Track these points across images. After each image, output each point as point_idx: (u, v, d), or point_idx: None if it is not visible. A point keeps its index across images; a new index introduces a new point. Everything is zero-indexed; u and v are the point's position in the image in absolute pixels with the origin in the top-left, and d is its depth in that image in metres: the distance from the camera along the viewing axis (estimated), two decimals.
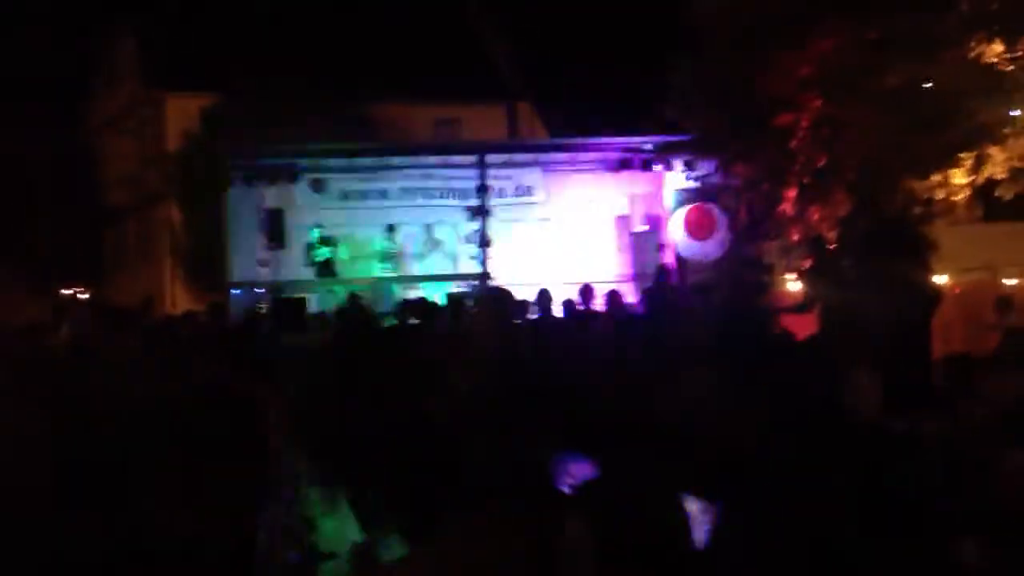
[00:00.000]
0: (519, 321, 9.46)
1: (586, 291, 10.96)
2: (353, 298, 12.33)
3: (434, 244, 15.54)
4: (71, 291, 32.47)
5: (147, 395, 4.98)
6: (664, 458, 4.17)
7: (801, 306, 9.65)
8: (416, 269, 15.52)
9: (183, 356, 6.91)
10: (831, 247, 10.75)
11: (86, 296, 31.62)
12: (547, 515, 3.09)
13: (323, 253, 14.80)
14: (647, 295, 11.41)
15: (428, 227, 15.52)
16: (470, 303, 11.18)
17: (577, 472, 4.19)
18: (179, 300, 23.48)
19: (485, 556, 2.94)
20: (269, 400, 5.77)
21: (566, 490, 3.82)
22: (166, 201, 25.12)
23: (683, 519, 3.83)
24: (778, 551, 3.82)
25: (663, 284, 12.18)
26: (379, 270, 15.21)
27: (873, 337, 7.59)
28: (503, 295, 8.11)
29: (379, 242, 15.26)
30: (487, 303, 9.30)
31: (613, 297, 10.88)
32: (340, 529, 4.23)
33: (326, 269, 14.87)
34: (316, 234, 14.85)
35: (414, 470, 3.84)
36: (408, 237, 15.47)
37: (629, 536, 3.38)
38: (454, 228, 15.52)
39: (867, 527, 3.87)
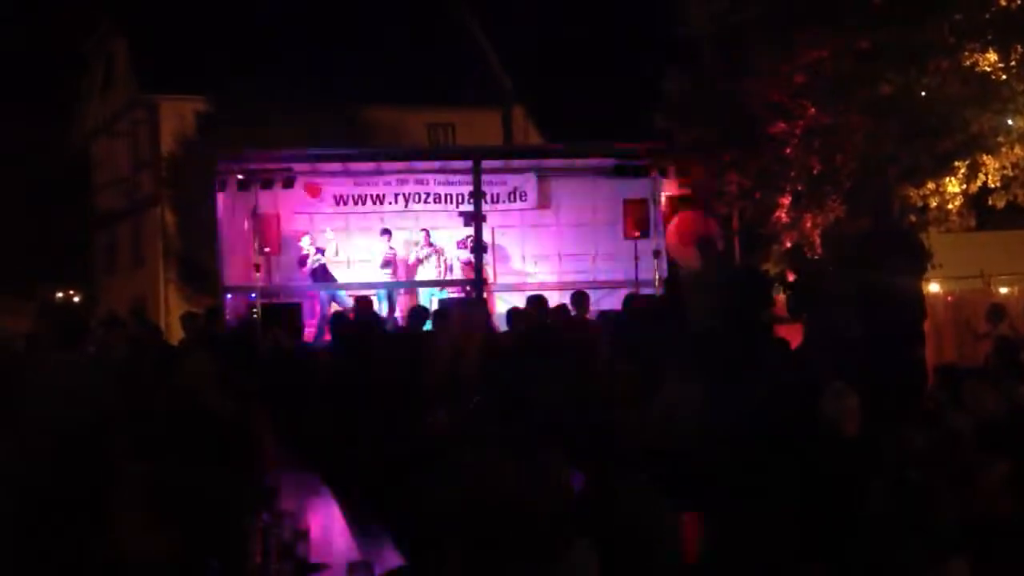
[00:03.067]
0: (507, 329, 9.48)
1: (580, 298, 10.94)
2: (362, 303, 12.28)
3: (428, 249, 15.52)
4: (62, 294, 32.42)
5: (124, 407, 4.93)
6: (654, 470, 4.18)
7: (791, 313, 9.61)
8: (410, 274, 15.51)
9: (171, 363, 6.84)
10: (817, 255, 10.78)
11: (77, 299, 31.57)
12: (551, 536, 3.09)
13: (315, 260, 14.79)
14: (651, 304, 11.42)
15: (422, 232, 15.51)
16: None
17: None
18: (172, 304, 23.43)
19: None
20: (261, 408, 5.77)
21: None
22: (159, 204, 25.07)
23: (676, 530, 3.84)
24: (761, 561, 3.83)
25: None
26: (374, 275, 15.20)
27: (860, 347, 7.60)
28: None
29: (373, 247, 15.26)
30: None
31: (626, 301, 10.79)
32: (334, 541, 4.24)
33: (321, 275, 14.87)
34: (307, 241, 14.83)
35: (414, 488, 3.84)
36: (402, 242, 15.46)
37: (627, 550, 3.39)
38: (448, 233, 15.53)
39: (843, 539, 3.88)
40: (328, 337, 12.22)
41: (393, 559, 4.06)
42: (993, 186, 12.78)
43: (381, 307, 14.52)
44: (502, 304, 14.24)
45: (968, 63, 12.17)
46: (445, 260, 15.27)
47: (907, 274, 9.09)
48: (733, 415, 4.76)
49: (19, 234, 27.92)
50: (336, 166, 15.54)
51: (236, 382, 6.21)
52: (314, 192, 15.42)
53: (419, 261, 15.25)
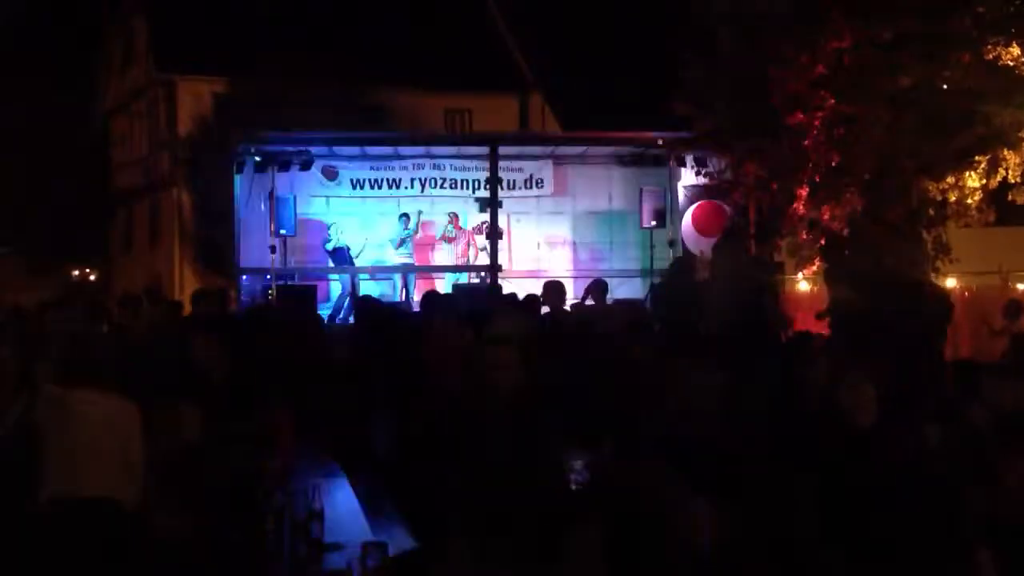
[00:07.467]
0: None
1: (596, 286, 10.90)
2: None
3: (444, 235, 15.55)
4: (79, 272, 32.60)
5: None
6: (671, 457, 4.17)
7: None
8: (425, 260, 15.55)
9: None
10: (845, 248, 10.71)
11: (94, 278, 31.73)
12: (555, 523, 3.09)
13: (337, 243, 14.87)
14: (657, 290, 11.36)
15: (438, 217, 15.54)
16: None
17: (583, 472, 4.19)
18: (187, 284, 23.48)
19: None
20: (276, 388, 5.79)
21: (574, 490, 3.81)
22: (176, 185, 25.12)
23: (694, 518, 3.82)
24: (778, 550, 3.82)
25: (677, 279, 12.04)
26: (389, 259, 15.24)
27: (882, 341, 7.56)
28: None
29: (390, 231, 15.28)
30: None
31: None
32: (348, 521, 4.25)
33: (341, 258, 14.94)
34: (334, 226, 14.91)
35: (426, 471, 3.84)
36: (417, 227, 15.48)
37: (640, 537, 3.38)
38: (465, 219, 15.54)
39: (861, 529, 3.86)
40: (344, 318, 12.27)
41: (407, 541, 4.07)
42: (1013, 181, 12.70)
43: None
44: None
45: (990, 56, 12.07)
46: (474, 243, 15.31)
47: (925, 268, 9.04)
48: (753, 403, 4.75)
49: (37, 211, 28.05)
50: (353, 150, 15.57)
51: (250, 362, 6.23)
52: (331, 175, 15.46)
53: (445, 239, 15.32)
